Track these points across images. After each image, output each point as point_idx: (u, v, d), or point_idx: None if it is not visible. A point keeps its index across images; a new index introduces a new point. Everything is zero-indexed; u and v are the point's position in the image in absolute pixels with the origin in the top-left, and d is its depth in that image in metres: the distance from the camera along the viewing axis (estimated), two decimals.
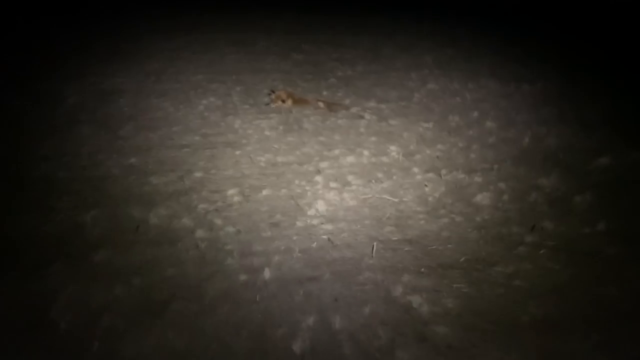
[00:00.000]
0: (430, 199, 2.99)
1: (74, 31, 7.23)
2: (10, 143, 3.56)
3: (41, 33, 7.04)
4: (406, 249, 2.48)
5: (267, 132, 3.90)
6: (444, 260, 2.38)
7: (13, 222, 2.61)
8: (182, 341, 1.90)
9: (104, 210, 2.75)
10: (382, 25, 8.35)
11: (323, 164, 3.41)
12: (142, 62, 5.74)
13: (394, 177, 3.26)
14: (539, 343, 1.93)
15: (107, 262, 2.32)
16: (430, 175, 3.29)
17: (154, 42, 6.72)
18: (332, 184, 3.15)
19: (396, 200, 2.97)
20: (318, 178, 3.22)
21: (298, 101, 4.48)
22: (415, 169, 3.37)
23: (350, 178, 3.23)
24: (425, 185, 3.14)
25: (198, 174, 3.22)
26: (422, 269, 2.31)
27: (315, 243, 2.53)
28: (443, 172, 3.33)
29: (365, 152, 3.61)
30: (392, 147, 3.70)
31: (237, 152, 3.55)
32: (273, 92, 4.57)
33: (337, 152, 3.61)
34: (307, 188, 3.10)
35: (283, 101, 4.41)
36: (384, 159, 3.54)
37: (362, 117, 4.32)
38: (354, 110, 4.47)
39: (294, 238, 2.57)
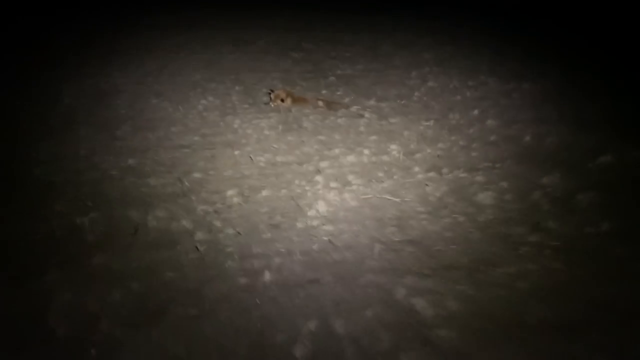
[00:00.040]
0: (431, 198, 2.95)
1: (71, 28, 7.21)
2: (5, 145, 3.53)
3: (37, 31, 7.01)
4: (408, 250, 2.44)
5: (266, 132, 3.87)
6: (446, 262, 2.34)
7: (7, 227, 2.58)
8: (182, 347, 1.87)
9: (101, 213, 2.72)
10: (382, 23, 8.32)
11: (323, 164, 3.38)
12: (140, 61, 5.71)
13: (395, 177, 3.22)
14: (544, 345, 1.89)
15: (104, 266, 2.28)
16: (432, 174, 3.25)
17: (152, 39, 6.70)
18: (333, 184, 3.11)
19: (397, 200, 2.93)
20: (318, 178, 3.18)
21: (297, 100, 4.44)
22: (416, 168, 3.33)
23: (350, 178, 3.19)
24: (427, 185, 3.10)
25: (197, 175, 3.19)
26: (425, 271, 2.27)
27: (316, 245, 2.49)
28: (444, 171, 3.29)
29: (366, 151, 3.58)
30: (393, 146, 3.67)
31: (237, 152, 3.51)
32: (272, 91, 4.54)
33: (337, 151, 3.57)
34: (307, 188, 3.06)
35: (282, 100, 4.37)
36: (385, 158, 3.50)
37: (362, 115, 4.29)
38: (353, 109, 4.44)
39: (295, 240, 2.53)
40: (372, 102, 4.60)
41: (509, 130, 3.99)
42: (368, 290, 2.14)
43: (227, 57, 6.01)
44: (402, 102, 4.66)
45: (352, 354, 1.83)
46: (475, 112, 4.38)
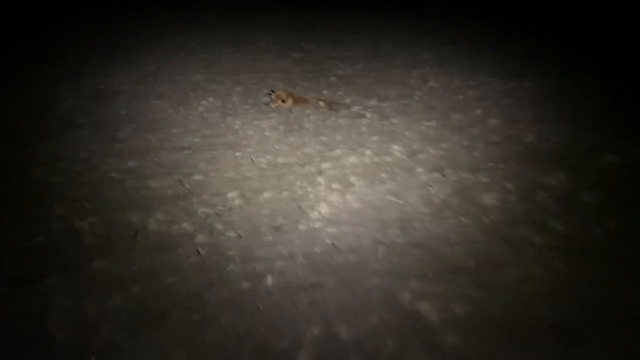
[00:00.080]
0: (435, 200, 2.92)
1: (71, 28, 7.16)
2: (3, 146, 3.50)
3: (36, 30, 6.97)
4: (412, 252, 2.41)
5: (267, 133, 3.83)
6: (452, 264, 2.31)
7: (5, 230, 2.54)
8: (183, 353, 1.84)
9: (101, 216, 2.68)
10: (381, 22, 8.28)
11: (325, 165, 3.34)
12: (141, 62, 5.67)
13: (398, 178, 3.18)
14: (553, 349, 1.86)
15: (104, 271, 2.25)
16: (435, 175, 3.21)
17: (152, 39, 6.66)
18: (335, 186, 3.07)
19: (401, 201, 2.90)
20: (320, 179, 3.15)
21: (298, 101, 4.41)
22: (419, 169, 3.30)
23: (352, 179, 3.16)
24: (430, 186, 3.07)
25: (198, 177, 3.15)
26: (430, 274, 2.24)
27: (318, 248, 2.46)
28: (448, 171, 3.26)
29: (368, 152, 3.54)
30: (395, 147, 3.63)
31: (238, 154, 3.48)
32: (273, 91, 4.50)
33: (338, 152, 3.54)
34: (309, 190, 3.03)
35: (283, 101, 4.33)
36: (387, 158, 3.46)
37: (363, 116, 4.25)
38: (355, 109, 4.40)
39: (297, 242, 2.50)
40: (373, 102, 4.56)
41: (512, 130, 3.95)
42: (372, 294, 2.11)
43: (227, 58, 5.98)
44: (404, 102, 4.62)
45: None
46: (477, 111, 4.34)
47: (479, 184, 3.10)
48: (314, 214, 2.75)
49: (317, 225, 2.66)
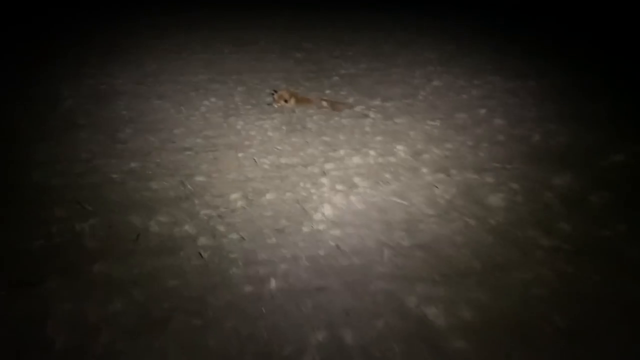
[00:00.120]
0: (441, 201, 2.87)
1: (71, 30, 7.13)
2: (2, 147, 3.47)
3: (36, 31, 6.95)
4: (418, 255, 2.37)
5: (270, 133, 3.80)
6: (458, 267, 2.27)
7: (4, 232, 2.51)
8: (185, 359, 1.80)
9: (102, 218, 2.65)
10: (382, 22, 8.25)
11: (328, 166, 3.30)
12: (142, 62, 5.64)
13: (402, 178, 3.14)
14: (562, 353, 1.82)
15: (105, 274, 2.21)
16: (440, 175, 3.17)
17: (153, 40, 6.63)
18: (338, 187, 3.04)
19: (406, 203, 2.85)
20: (323, 180, 3.11)
21: (301, 100, 4.37)
22: (424, 170, 3.26)
23: (356, 180, 3.12)
24: (435, 187, 3.03)
25: (200, 178, 3.12)
26: (436, 277, 2.19)
27: (322, 250, 2.42)
28: (453, 172, 3.22)
29: (372, 152, 3.50)
30: (399, 147, 3.59)
31: (240, 155, 3.44)
32: (275, 91, 4.47)
33: (342, 152, 3.50)
34: (313, 191, 2.99)
35: (286, 101, 4.30)
36: (391, 159, 3.42)
37: (366, 115, 4.21)
38: (358, 109, 4.37)
39: (300, 245, 2.46)
40: (376, 102, 4.53)
41: (517, 129, 3.91)
42: (378, 298, 2.07)
43: (229, 58, 5.95)
44: (407, 101, 4.59)
45: None
46: (482, 111, 4.30)
47: (484, 184, 3.06)
48: (317, 216, 2.72)
49: (321, 227, 2.62)
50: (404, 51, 6.40)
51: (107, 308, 2.00)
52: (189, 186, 3.02)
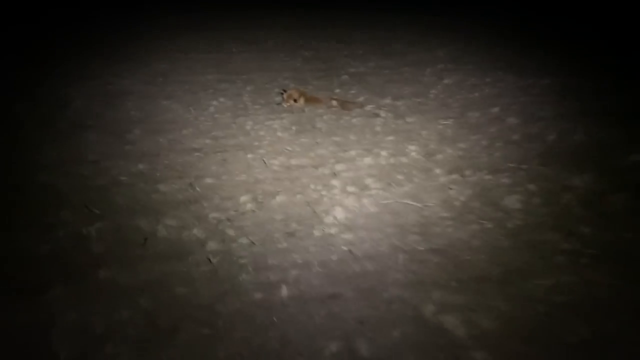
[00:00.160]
0: (456, 203, 2.79)
1: (77, 30, 7.10)
2: (8, 151, 3.42)
3: (43, 32, 6.92)
4: (434, 260, 2.28)
5: (279, 134, 3.73)
6: (476, 273, 2.18)
7: (8, 239, 2.45)
8: None
9: (109, 222, 2.59)
10: (392, 20, 8.17)
11: (339, 167, 3.23)
12: (149, 62, 5.60)
13: (416, 180, 3.07)
14: None
15: (111, 281, 2.15)
16: (454, 176, 3.09)
17: (160, 41, 6.59)
18: (350, 188, 2.96)
19: (419, 205, 2.78)
20: (334, 182, 3.04)
21: (310, 100, 4.31)
22: (438, 170, 3.18)
23: (368, 181, 3.04)
24: (450, 188, 2.95)
25: (209, 180, 3.06)
26: (453, 284, 2.11)
27: (334, 255, 2.34)
28: (467, 173, 3.13)
29: (383, 153, 3.43)
30: (411, 147, 3.52)
31: (249, 156, 3.38)
32: (284, 91, 4.41)
33: (353, 153, 3.43)
34: (324, 193, 2.92)
35: (295, 100, 4.24)
36: (403, 159, 3.35)
37: (377, 115, 4.14)
38: (368, 108, 4.30)
39: (312, 250, 2.39)
40: (387, 101, 4.45)
41: (532, 128, 3.82)
42: (393, 306, 1.99)
43: (238, 57, 5.89)
44: (418, 100, 4.51)
45: None
46: (495, 109, 4.21)
47: (500, 185, 2.97)
48: (329, 219, 2.64)
49: (333, 230, 2.55)
50: (414, 49, 6.31)
51: (113, 317, 1.94)
52: (197, 188, 2.96)
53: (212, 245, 2.42)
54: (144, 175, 3.13)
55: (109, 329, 1.89)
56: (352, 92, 4.70)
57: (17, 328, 1.90)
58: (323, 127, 3.86)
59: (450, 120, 4.01)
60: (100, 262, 2.27)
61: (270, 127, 3.85)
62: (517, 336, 1.84)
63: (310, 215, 2.69)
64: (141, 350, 1.80)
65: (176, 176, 3.10)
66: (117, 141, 3.60)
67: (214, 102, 4.38)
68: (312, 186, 2.99)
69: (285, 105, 4.25)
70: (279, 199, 2.85)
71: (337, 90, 4.74)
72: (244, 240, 2.46)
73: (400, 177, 3.10)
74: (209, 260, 2.31)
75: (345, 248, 2.40)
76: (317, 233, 2.53)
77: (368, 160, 3.33)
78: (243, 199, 2.84)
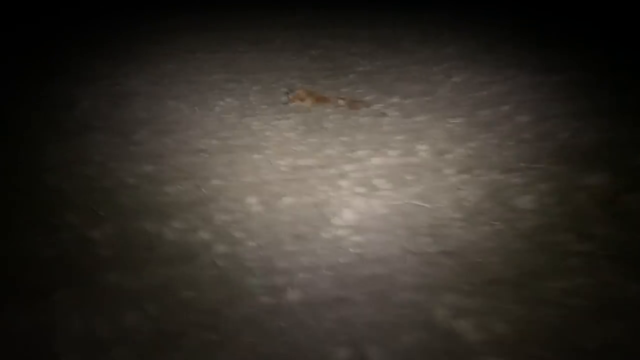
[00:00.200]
0: (466, 204, 2.74)
1: (82, 30, 7.09)
2: (13, 151, 3.40)
3: (48, 33, 6.90)
4: (445, 262, 2.24)
5: (286, 134, 3.69)
6: (489, 276, 2.13)
7: (12, 242, 2.42)
8: None
9: (115, 224, 2.57)
10: (398, 17, 8.08)
11: (347, 167, 3.19)
12: (156, 63, 5.57)
13: (425, 180, 3.02)
14: None
15: (117, 285, 2.11)
16: (464, 176, 3.04)
17: (166, 41, 6.55)
18: (358, 189, 2.92)
19: (429, 206, 2.73)
20: (342, 183, 3.00)
21: (317, 99, 4.27)
22: (447, 170, 3.13)
23: (377, 182, 3.00)
24: (460, 189, 2.90)
25: (216, 181, 3.03)
26: (465, 287, 2.06)
27: (343, 258, 2.30)
28: (478, 172, 3.08)
29: (392, 153, 3.38)
30: (420, 146, 3.47)
31: (256, 156, 3.35)
32: (291, 90, 4.37)
33: (361, 153, 3.38)
34: (332, 194, 2.88)
35: (302, 100, 4.21)
36: (412, 159, 3.30)
37: (385, 114, 4.09)
38: (376, 107, 4.25)
39: (320, 252, 2.35)
40: (395, 100, 4.40)
41: (543, 126, 3.75)
42: (404, 310, 1.94)
43: (244, 57, 5.85)
44: (427, 98, 4.45)
45: None
46: (505, 107, 4.15)
47: (512, 185, 2.92)
48: (337, 221, 2.60)
49: (341, 232, 2.50)
50: (422, 47, 6.24)
51: (118, 322, 1.91)
52: (203, 190, 2.93)
53: (218, 248, 2.39)
54: (150, 176, 3.10)
55: (114, 334, 1.85)
56: (360, 91, 4.65)
57: (20, 332, 1.87)
58: (330, 127, 3.82)
59: (460, 118, 3.95)
60: (106, 266, 2.24)
61: (277, 127, 3.82)
62: (532, 341, 1.78)
63: (319, 217, 2.65)
64: (146, 356, 1.76)
65: (182, 177, 3.08)
66: (124, 142, 3.58)
67: (221, 102, 4.35)
68: (320, 187, 2.95)
69: (292, 105, 4.22)
70: (287, 200, 2.81)
71: (345, 89, 4.70)
72: (250, 243, 2.43)
73: (409, 177, 3.05)
74: (216, 263, 2.27)
75: (354, 251, 2.36)
76: (325, 235, 2.49)
77: (377, 160, 3.28)
78: (250, 200, 2.81)
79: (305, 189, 2.93)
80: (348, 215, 2.64)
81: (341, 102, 4.26)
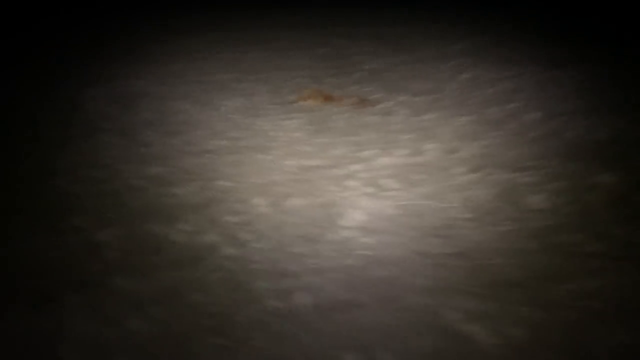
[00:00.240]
0: (477, 203, 2.70)
1: (89, 31, 7.10)
2: (20, 154, 3.39)
3: (53, 34, 6.91)
4: (457, 264, 2.20)
5: (294, 134, 3.68)
6: (502, 278, 2.09)
7: (17, 246, 2.39)
8: None
9: (122, 227, 2.55)
10: (406, 15, 8.04)
11: (355, 167, 3.17)
12: (163, 63, 5.57)
13: (434, 180, 2.99)
14: None
15: (123, 289, 2.09)
16: (474, 175, 3.01)
17: (173, 42, 6.56)
18: (367, 189, 2.90)
19: (439, 206, 2.69)
20: (351, 183, 2.98)
21: (325, 98, 4.26)
22: (457, 169, 3.10)
23: (386, 182, 2.97)
24: (470, 188, 2.86)
25: (223, 183, 3.02)
26: (478, 290, 2.03)
27: (352, 260, 2.27)
28: (488, 171, 3.05)
29: (400, 152, 3.36)
30: (429, 145, 3.44)
31: (264, 157, 3.34)
32: (299, 89, 4.36)
33: (369, 152, 3.36)
34: (340, 195, 2.85)
35: (309, 99, 4.19)
36: (421, 158, 3.28)
37: (394, 112, 4.07)
38: (384, 105, 4.22)
39: (329, 254, 2.31)
40: (403, 98, 4.37)
41: (553, 123, 3.71)
42: (415, 314, 1.91)
43: (252, 56, 5.84)
44: (435, 96, 4.43)
45: None
46: (514, 105, 4.12)
47: (523, 184, 2.88)
48: (346, 222, 2.57)
49: (350, 234, 2.47)
50: (430, 44, 6.21)
51: (124, 327, 1.88)
52: (211, 191, 2.91)
53: (226, 250, 2.36)
54: (158, 178, 3.09)
55: (120, 340, 1.83)
56: (368, 89, 4.63)
57: (26, 337, 1.84)
58: (338, 126, 3.80)
59: (468, 116, 3.93)
60: (113, 269, 2.21)
61: (285, 127, 3.80)
62: (546, 345, 1.74)
63: (327, 218, 2.62)
64: None
65: (190, 179, 3.06)
66: (131, 144, 3.57)
67: (229, 103, 4.34)
68: (328, 188, 2.93)
69: (300, 104, 4.21)
70: (295, 201, 2.78)
71: (353, 88, 4.68)
72: (258, 245, 2.40)
73: (418, 177, 3.02)
74: (223, 266, 2.25)
75: (362, 252, 2.32)
76: (334, 237, 2.46)
77: (385, 159, 3.26)
78: (258, 201, 2.79)
79: (313, 190, 2.90)
80: (357, 216, 2.61)
81: (349, 100, 4.24)
